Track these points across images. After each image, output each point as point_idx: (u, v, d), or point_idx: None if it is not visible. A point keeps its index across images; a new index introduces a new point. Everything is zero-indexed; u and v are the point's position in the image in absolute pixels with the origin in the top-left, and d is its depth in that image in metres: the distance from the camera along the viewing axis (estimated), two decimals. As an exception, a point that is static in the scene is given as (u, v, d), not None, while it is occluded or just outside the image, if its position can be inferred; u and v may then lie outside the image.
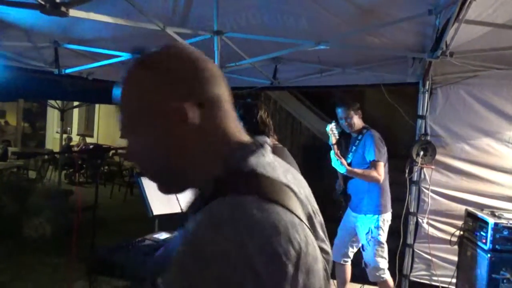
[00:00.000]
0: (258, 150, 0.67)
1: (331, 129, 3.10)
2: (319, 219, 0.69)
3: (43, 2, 1.38)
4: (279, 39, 2.82)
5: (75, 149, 11.26)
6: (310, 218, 0.65)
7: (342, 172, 3.14)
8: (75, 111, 13.12)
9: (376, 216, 3.07)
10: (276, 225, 0.53)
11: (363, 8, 2.68)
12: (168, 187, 0.72)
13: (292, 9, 2.82)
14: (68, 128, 13.27)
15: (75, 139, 12.45)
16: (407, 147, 3.69)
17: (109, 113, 12.79)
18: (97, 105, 12.76)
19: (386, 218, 3.11)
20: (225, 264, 0.49)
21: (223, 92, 0.69)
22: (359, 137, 3.21)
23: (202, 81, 0.67)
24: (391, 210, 3.18)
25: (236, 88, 4.49)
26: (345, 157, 3.24)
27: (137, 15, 2.28)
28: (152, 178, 0.71)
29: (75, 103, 10.58)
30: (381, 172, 3.01)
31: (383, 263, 3.09)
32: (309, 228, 0.59)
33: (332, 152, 3.12)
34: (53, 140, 14.17)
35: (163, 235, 2.05)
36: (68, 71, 3.37)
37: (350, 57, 3.70)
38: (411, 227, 3.59)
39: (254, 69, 3.84)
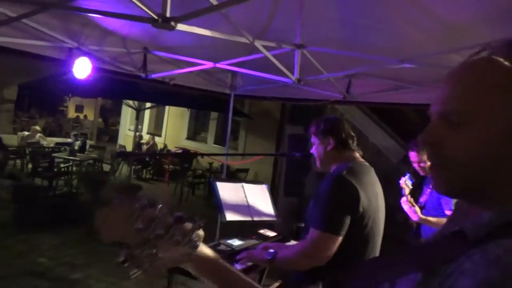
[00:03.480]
0: None
1: (405, 183, 2.98)
2: None
3: (156, 17, 1.52)
4: (361, 55, 2.79)
5: (145, 146, 11.94)
6: None
7: (414, 220, 2.99)
8: (147, 112, 13.92)
9: None
10: None
11: (451, 26, 2.57)
12: (454, 191, 0.68)
13: (373, 24, 2.77)
14: (139, 127, 14.07)
15: (145, 137, 13.20)
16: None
17: (176, 115, 13.42)
18: (167, 107, 13.43)
19: None
20: None
21: None
22: None
23: None
24: None
25: (307, 100, 4.51)
26: (418, 198, 3.10)
27: (221, 26, 2.39)
28: (443, 175, 0.67)
29: (148, 104, 11.22)
30: None
31: None
32: None
33: (403, 199, 2.99)
34: (125, 137, 15.11)
35: (236, 242, 2.11)
36: (153, 76, 3.62)
37: (429, 74, 3.54)
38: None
39: (326, 82, 3.82)
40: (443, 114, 0.66)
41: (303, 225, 4.48)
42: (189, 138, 13.12)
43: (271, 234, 2.41)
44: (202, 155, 2.85)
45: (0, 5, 2.31)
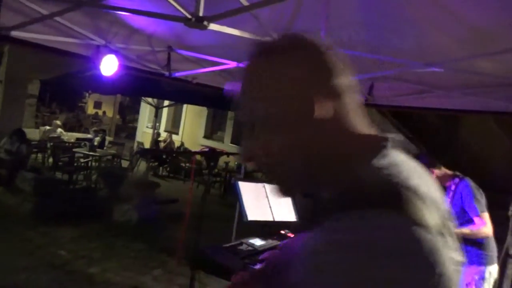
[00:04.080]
0: (383, 149, 0.59)
1: None
2: (450, 224, 0.57)
3: (189, 16, 1.54)
4: (386, 58, 2.76)
5: (162, 144, 12.05)
6: (443, 226, 0.54)
7: None
8: (164, 109, 14.06)
9: (482, 267, 2.84)
10: (416, 248, 0.48)
11: (478, 30, 2.51)
12: (288, 189, 0.66)
13: (398, 27, 2.74)
14: (157, 124, 14.23)
15: (163, 135, 13.33)
16: (505, 179, 3.36)
17: (194, 114, 13.52)
18: (184, 106, 13.53)
19: (492, 271, 2.86)
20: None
21: (348, 82, 0.63)
22: (452, 188, 2.99)
23: (328, 71, 0.61)
24: (497, 262, 2.91)
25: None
26: None
27: (246, 26, 2.39)
28: (273, 178, 0.66)
29: (167, 102, 11.33)
30: (489, 225, 2.79)
31: None
32: (445, 242, 0.52)
33: None
34: (142, 134, 15.28)
35: (257, 241, 2.11)
36: (177, 74, 3.66)
37: (454, 79, 3.48)
38: (510, 272, 3.26)
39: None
40: (243, 126, 0.64)
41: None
42: (206, 137, 13.21)
43: (292, 235, 2.41)
44: (229, 154, 2.85)
45: (33, 2, 2.37)
